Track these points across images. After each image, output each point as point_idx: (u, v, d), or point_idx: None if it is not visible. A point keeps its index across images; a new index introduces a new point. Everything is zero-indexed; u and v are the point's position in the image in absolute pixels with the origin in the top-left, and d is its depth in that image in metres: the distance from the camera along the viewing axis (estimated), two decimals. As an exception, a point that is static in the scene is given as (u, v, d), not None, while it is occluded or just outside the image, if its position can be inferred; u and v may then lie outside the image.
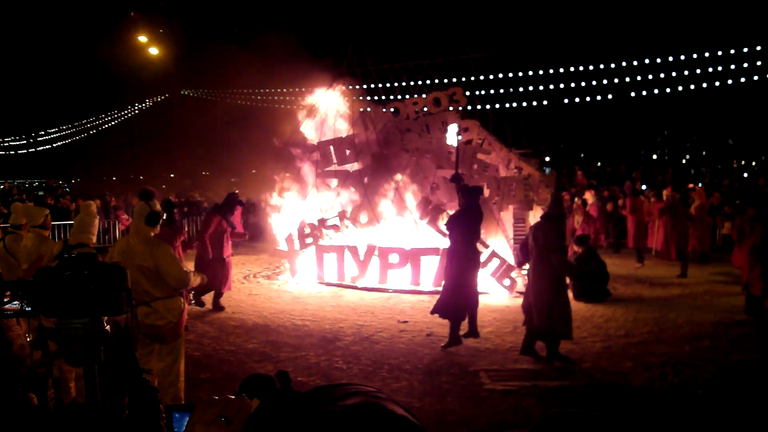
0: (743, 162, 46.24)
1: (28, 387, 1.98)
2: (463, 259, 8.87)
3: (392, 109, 15.50)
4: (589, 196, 18.50)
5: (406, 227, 13.73)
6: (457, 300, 8.87)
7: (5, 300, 1.82)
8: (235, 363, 8.29)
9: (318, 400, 1.52)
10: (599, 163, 40.51)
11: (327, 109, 15.66)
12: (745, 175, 31.58)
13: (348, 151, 14.67)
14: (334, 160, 14.71)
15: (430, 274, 12.84)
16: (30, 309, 1.81)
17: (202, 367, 8.05)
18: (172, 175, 37.32)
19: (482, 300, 11.93)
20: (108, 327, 1.82)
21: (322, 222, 14.08)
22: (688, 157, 55.57)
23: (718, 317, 10.54)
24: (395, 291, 12.91)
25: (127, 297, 1.79)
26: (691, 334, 9.48)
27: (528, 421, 6.27)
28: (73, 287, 1.73)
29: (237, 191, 12.35)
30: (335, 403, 1.46)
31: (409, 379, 7.58)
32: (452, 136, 13.69)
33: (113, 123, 47.86)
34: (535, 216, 13.21)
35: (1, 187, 37.42)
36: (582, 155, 49.08)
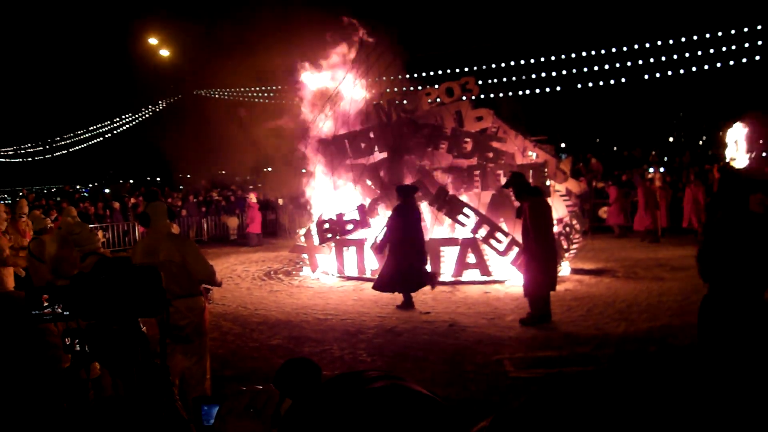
0: (761, 141, 45.67)
1: (67, 389, 2.02)
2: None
3: (405, 101, 15.46)
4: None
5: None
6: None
7: (44, 304, 1.86)
8: (260, 359, 8.34)
9: (342, 386, 1.54)
10: (615, 148, 40.24)
11: (341, 102, 15.67)
12: (764, 154, 31.20)
13: (363, 145, 14.69)
14: (350, 154, 14.75)
15: (450, 264, 12.84)
16: (67, 313, 1.84)
17: (227, 364, 8.11)
18: (189, 176, 37.47)
19: (504, 288, 12.01)
20: (145, 328, 1.86)
21: (340, 217, 14.12)
22: (704, 138, 55.01)
23: (742, 298, 10.47)
24: (416, 282, 12.92)
25: (162, 298, 1.82)
26: (715, 316, 9.42)
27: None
28: (108, 291, 1.77)
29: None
30: (361, 387, 1.48)
31: (434, 369, 7.60)
32: None
33: (127, 126, 48.11)
34: (552, 202, 13.20)
35: (20, 194, 37.78)
36: (597, 140, 48.77)
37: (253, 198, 23.26)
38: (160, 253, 5.82)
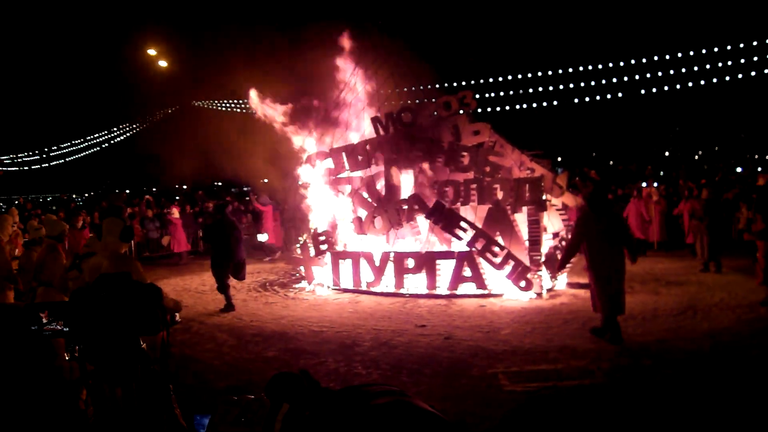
0: (756, 156, 45.88)
1: (70, 399, 2.04)
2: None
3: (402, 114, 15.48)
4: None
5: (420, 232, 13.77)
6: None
7: (44, 321, 1.87)
8: (255, 371, 8.33)
9: (348, 400, 1.55)
10: (611, 162, 40.35)
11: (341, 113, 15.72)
12: (759, 169, 31.32)
13: (360, 157, 14.72)
14: (347, 167, 14.79)
15: (446, 278, 12.85)
16: (67, 329, 1.85)
17: (222, 376, 8.11)
18: (185, 187, 37.45)
19: (499, 302, 12.01)
20: (144, 345, 1.87)
21: (334, 229, 14.21)
22: (700, 152, 55.17)
23: (738, 312, 10.49)
24: (412, 296, 12.93)
25: (162, 316, 1.83)
26: (711, 331, 9.44)
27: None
28: (108, 308, 1.78)
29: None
30: (367, 403, 1.49)
31: (429, 383, 7.60)
32: None
33: (125, 136, 48.13)
34: (549, 217, 13.21)
35: (16, 202, 37.72)
36: (594, 154, 48.90)
37: (175, 213, 21.46)
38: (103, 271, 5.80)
